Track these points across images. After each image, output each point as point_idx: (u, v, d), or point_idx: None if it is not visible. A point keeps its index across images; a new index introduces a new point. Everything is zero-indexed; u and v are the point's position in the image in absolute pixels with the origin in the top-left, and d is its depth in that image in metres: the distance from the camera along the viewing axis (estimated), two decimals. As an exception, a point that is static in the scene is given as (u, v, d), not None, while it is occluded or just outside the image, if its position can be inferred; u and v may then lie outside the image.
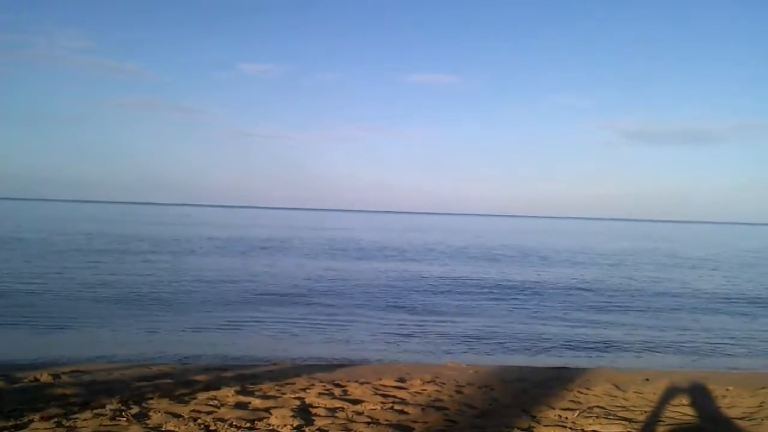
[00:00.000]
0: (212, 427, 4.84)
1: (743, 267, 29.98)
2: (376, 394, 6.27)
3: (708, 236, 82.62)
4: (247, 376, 7.07)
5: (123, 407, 5.34)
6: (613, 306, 15.51)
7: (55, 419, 4.91)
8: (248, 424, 4.95)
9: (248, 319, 12.00)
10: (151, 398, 5.76)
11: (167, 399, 5.76)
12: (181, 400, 5.75)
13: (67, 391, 5.92)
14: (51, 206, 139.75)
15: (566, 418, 5.51)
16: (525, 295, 17.04)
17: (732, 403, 6.44)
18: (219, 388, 6.25)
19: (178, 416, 5.12)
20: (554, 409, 5.87)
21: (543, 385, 7.05)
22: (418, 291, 17.16)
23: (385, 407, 5.69)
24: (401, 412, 5.55)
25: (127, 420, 4.98)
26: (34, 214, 76.03)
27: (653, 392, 6.79)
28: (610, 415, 5.65)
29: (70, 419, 4.93)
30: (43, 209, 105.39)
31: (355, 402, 5.86)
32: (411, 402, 5.96)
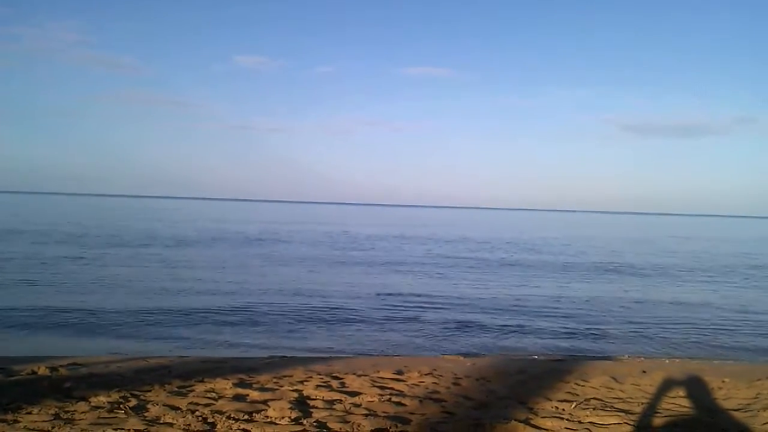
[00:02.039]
0: (210, 420, 4.83)
1: (746, 263, 30.06)
2: (374, 386, 6.28)
3: (710, 229, 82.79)
4: (244, 369, 7.07)
5: (121, 400, 5.34)
6: (610, 297, 15.54)
7: (53, 412, 4.90)
8: (246, 416, 4.95)
9: (245, 311, 12.00)
10: (149, 391, 5.76)
11: (165, 391, 5.76)
12: (179, 392, 5.75)
13: (65, 384, 5.91)
14: (46, 199, 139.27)
15: (563, 409, 5.52)
16: (522, 286, 17.06)
17: (728, 394, 6.46)
18: (217, 381, 6.26)
19: (176, 408, 5.12)
20: (551, 400, 5.88)
21: (540, 377, 7.07)
22: (416, 284, 17.17)
23: (382, 399, 5.69)
24: (399, 404, 5.56)
25: (125, 412, 4.98)
26: (28, 208, 75.73)
27: (650, 384, 6.81)
28: (607, 406, 5.67)
29: (68, 412, 4.92)
30: (38, 202, 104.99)
31: (353, 394, 5.87)
32: (409, 394, 5.96)
